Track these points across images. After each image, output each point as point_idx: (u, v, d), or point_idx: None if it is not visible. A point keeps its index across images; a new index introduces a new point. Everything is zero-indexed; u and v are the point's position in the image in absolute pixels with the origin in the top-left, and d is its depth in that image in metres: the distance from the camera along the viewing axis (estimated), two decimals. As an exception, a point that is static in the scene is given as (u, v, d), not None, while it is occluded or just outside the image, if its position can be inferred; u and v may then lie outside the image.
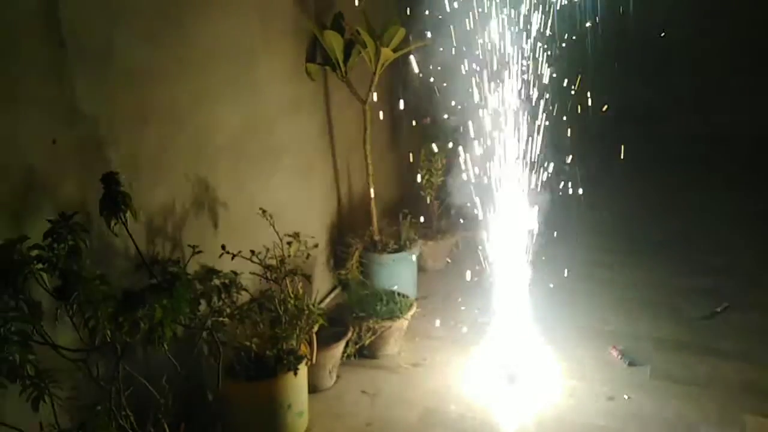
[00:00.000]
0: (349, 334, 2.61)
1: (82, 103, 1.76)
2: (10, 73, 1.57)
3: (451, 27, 2.74)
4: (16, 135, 1.59)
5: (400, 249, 3.17)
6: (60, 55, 1.69)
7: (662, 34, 4.74)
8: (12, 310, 1.12)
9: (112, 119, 1.86)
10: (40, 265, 1.13)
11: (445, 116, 3.34)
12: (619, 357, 2.69)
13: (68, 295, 1.20)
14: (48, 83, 1.67)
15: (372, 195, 3.09)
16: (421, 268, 3.39)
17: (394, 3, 2.97)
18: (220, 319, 1.71)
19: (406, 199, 3.75)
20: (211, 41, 2.26)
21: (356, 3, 2.82)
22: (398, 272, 3.12)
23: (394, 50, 2.75)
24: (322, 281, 3.12)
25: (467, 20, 2.65)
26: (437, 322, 3.02)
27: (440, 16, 2.67)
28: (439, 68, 3.06)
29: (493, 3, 2.53)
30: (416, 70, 3.07)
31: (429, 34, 2.97)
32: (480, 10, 2.57)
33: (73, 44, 1.72)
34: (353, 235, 3.18)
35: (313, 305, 2.29)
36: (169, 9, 2.05)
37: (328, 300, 3.14)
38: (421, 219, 3.40)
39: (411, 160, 3.51)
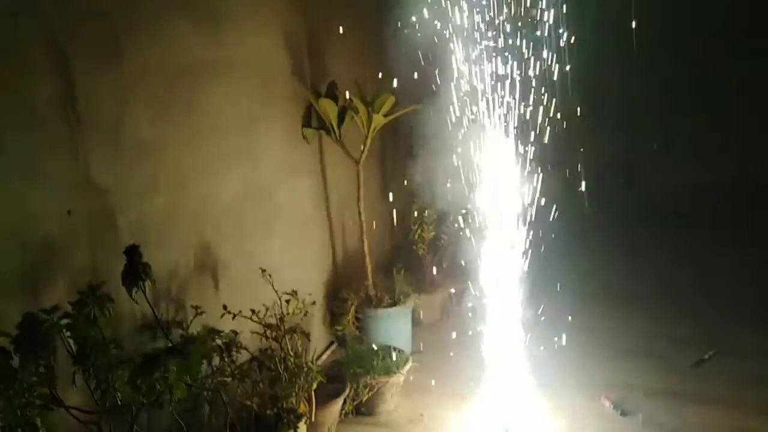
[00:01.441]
0: (347, 391, 2.65)
1: (95, 175, 1.87)
2: (31, 149, 1.68)
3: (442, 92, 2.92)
4: (34, 206, 1.69)
5: (394, 303, 3.25)
6: (76, 131, 1.82)
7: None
8: (34, 375, 1.19)
9: (122, 189, 1.97)
10: (69, 333, 1.21)
11: (437, 173, 3.50)
12: (612, 406, 2.74)
13: (85, 360, 1.28)
14: (64, 157, 1.79)
15: (366, 251, 3.19)
16: (415, 322, 3.46)
17: (385, 72, 3.17)
18: (222, 378, 1.77)
19: (400, 253, 3.85)
20: (216, 112, 2.41)
21: (349, 72, 3.02)
22: (393, 326, 3.19)
23: (385, 116, 2.92)
24: (319, 337, 3.18)
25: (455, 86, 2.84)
26: (433, 377, 3.07)
27: (433, 87, 2.86)
28: (430, 127, 3.23)
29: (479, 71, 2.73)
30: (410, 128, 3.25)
31: (421, 99, 3.16)
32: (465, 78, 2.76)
33: (88, 121, 1.84)
34: (348, 291, 3.27)
35: (312, 362, 2.35)
36: (176, 84, 2.20)
37: (325, 356, 3.19)
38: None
39: (404, 215, 3.64)
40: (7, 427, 1.09)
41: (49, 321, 1.21)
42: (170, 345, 1.43)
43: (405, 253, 3.76)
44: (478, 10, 2.75)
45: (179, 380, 1.29)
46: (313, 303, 2.56)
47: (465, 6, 2.74)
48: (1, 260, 1.59)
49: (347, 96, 2.99)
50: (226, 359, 1.94)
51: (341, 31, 3.27)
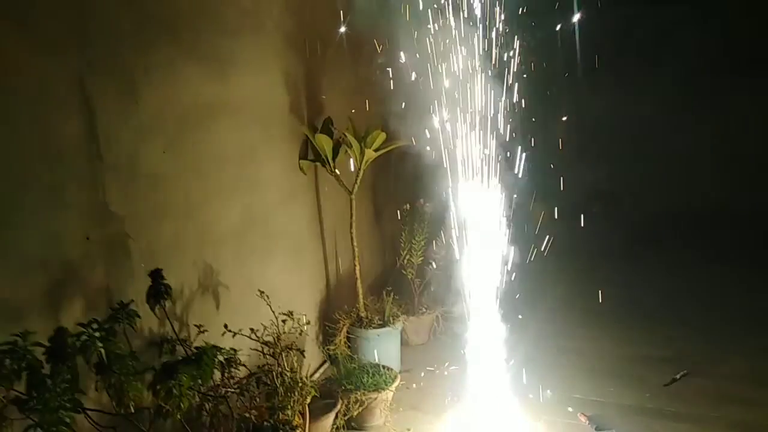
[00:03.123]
0: (339, 406, 2.82)
1: (112, 205, 2.07)
2: (57, 182, 1.88)
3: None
4: (58, 234, 1.89)
5: (384, 324, 3.42)
6: (96, 166, 2.03)
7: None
8: (64, 382, 1.38)
9: (135, 217, 2.16)
10: (100, 344, 1.40)
11: (425, 202, 3.75)
12: (587, 423, 2.92)
13: (107, 369, 1.46)
14: (85, 189, 1.99)
15: (358, 275, 3.39)
16: (404, 342, 3.64)
17: (376, 109, 3.42)
18: (227, 390, 1.95)
19: (389, 276, 4.06)
20: (220, 145, 2.63)
21: (343, 108, 3.27)
22: (383, 346, 3.36)
23: (376, 150, 3.16)
24: (312, 356, 3.35)
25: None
26: (420, 394, 3.24)
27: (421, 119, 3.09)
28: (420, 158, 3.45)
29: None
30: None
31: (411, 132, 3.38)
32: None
33: (107, 156, 2.05)
34: (341, 312, 3.45)
35: (306, 378, 2.53)
36: (186, 122, 2.42)
37: (318, 374, 3.36)
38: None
39: (394, 241, 3.84)
40: (45, 425, 1.28)
41: (87, 333, 1.41)
42: (183, 356, 1.62)
43: (395, 277, 3.96)
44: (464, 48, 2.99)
45: (192, 388, 1.47)
46: (308, 323, 2.74)
47: (450, 43, 2.98)
48: (28, 281, 1.79)
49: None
50: (226, 374, 2.12)
51: (336, 70, 3.53)
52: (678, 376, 3.31)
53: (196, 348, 1.63)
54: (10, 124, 1.73)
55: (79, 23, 1.93)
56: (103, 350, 1.37)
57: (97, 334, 1.40)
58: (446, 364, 3.45)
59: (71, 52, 1.90)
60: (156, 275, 1.67)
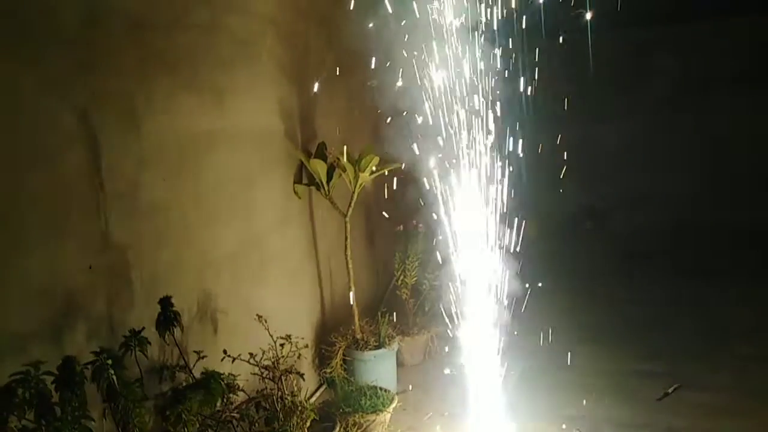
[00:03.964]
0: (337, 429, 2.83)
1: (114, 234, 2.11)
2: (61, 212, 1.92)
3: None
4: (61, 263, 1.92)
5: (380, 345, 3.45)
6: (99, 196, 2.06)
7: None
8: (76, 410, 1.40)
9: (136, 245, 2.20)
10: (112, 371, 1.43)
11: (419, 223, 3.81)
12: (583, 438, 2.97)
13: (116, 396, 1.49)
14: (88, 218, 2.03)
15: (353, 297, 3.42)
16: (400, 363, 3.67)
17: (369, 133, 3.49)
18: (229, 414, 1.97)
19: (384, 297, 4.09)
20: (218, 172, 2.68)
21: (337, 132, 3.35)
22: (379, 368, 3.38)
23: (370, 174, 3.22)
24: (309, 379, 3.37)
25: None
26: (416, 415, 3.26)
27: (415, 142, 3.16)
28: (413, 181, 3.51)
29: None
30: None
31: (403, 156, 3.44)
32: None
33: (110, 185, 2.10)
34: (336, 334, 3.47)
35: (305, 401, 2.55)
36: (185, 151, 2.47)
37: (314, 397, 3.37)
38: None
39: (387, 262, 3.89)
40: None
41: (99, 360, 1.44)
42: (186, 382, 1.64)
43: (389, 298, 4.00)
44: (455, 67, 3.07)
45: (199, 413, 1.50)
46: (306, 346, 2.77)
47: (441, 62, 3.06)
48: (33, 310, 1.81)
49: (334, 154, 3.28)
50: (226, 399, 2.14)
51: (329, 95, 3.61)
52: (670, 390, 3.36)
53: (202, 373, 1.65)
54: (15, 154, 1.77)
55: (84, 57, 1.98)
56: (114, 377, 1.40)
57: (109, 361, 1.43)
58: (441, 383, 3.47)
59: (76, 85, 1.95)
60: (165, 303, 1.71)
